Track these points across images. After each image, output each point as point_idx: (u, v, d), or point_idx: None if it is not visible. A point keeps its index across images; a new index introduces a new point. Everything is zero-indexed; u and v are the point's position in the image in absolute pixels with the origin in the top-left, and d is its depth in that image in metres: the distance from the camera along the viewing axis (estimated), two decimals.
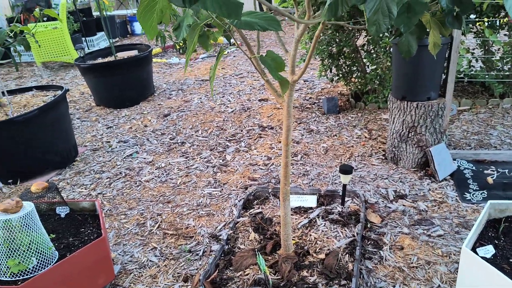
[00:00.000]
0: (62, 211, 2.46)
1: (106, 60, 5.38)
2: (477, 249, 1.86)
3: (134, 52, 5.60)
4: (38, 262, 1.97)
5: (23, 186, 3.49)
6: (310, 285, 2.11)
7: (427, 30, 1.51)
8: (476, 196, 2.76)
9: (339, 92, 4.86)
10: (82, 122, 4.84)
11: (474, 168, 3.07)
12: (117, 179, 3.47)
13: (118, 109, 5.08)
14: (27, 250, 1.94)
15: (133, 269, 2.44)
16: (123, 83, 4.99)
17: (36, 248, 1.97)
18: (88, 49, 8.25)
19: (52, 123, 3.56)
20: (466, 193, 2.80)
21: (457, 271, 2.15)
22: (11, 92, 3.98)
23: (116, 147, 4.06)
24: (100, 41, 8.82)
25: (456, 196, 2.80)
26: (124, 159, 3.81)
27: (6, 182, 3.50)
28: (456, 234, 2.44)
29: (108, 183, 3.43)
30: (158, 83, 6.03)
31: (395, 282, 2.14)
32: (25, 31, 3.04)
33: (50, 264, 2.00)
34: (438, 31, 1.49)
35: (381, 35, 4.00)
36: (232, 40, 8.06)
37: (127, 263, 2.50)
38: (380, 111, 4.21)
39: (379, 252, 2.35)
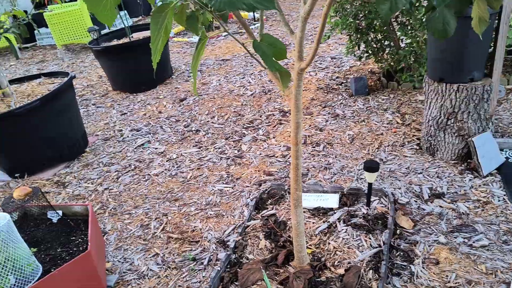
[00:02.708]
0: (54, 216, 2.25)
1: (121, 41, 5.13)
2: None
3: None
4: (16, 280, 1.77)
5: (30, 180, 3.33)
6: None
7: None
8: None
9: (369, 70, 4.40)
10: (97, 108, 4.64)
11: None
12: (126, 172, 3.25)
13: (134, 94, 4.85)
14: (3, 268, 1.73)
15: (131, 280, 2.21)
16: (137, 66, 4.73)
17: (13, 265, 1.76)
18: (109, 29, 8.04)
19: (58, 113, 3.36)
20: None
21: None
22: (18, 80, 3.81)
23: (128, 136, 3.83)
24: (122, 20, 8.56)
25: (504, 195, 2.38)
26: (135, 150, 3.58)
27: (13, 176, 3.36)
28: (504, 245, 2.05)
29: (116, 177, 3.21)
30: (177, 64, 5.75)
31: None
32: (19, 16, 2.80)
33: (30, 282, 1.79)
34: (486, 2, 1.08)
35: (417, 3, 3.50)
36: (256, 15, 7.59)
37: (125, 272, 2.27)
38: (415, 91, 3.75)
39: (410, 267, 1.99)
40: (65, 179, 3.28)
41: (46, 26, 7.25)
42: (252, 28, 7.03)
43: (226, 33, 6.81)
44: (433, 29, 1.18)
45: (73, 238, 2.13)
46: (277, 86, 4.40)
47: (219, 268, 2.09)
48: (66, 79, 3.49)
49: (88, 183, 3.18)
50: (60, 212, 2.26)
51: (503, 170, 2.56)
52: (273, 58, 1.37)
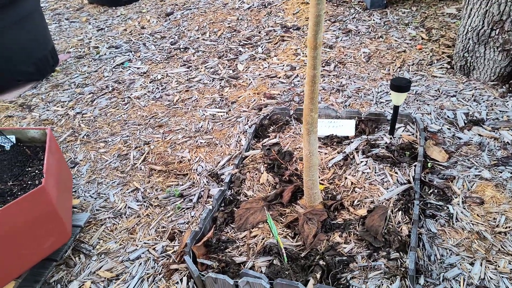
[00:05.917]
0: (6, 141, 1.81)
1: None
2: None
3: None
4: None
5: None
6: (344, 258, 1.44)
7: None
8: None
9: None
10: (71, 23, 4.04)
11: None
12: (102, 94, 2.78)
13: (113, 7, 4.23)
14: None
15: (106, 219, 1.83)
16: None
17: None
18: None
19: (18, 23, 2.80)
20: None
21: None
22: None
23: (105, 54, 3.30)
24: None
25: None
26: (113, 69, 3.07)
27: None
28: None
29: (90, 99, 2.74)
30: None
31: (473, 256, 1.43)
32: None
33: None
34: None
35: None
36: None
37: (99, 209, 1.88)
38: (442, 3, 3.20)
39: (447, 208, 1.62)
40: (31, 102, 2.80)
41: None
42: None
43: None
44: None
45: (29, 169, 1.71)
46: None
47: (211, 207, 1.70)
48: None
49: (57, 106, 2.71)
50: (14, 138, 1.82)
51: None
52: None
